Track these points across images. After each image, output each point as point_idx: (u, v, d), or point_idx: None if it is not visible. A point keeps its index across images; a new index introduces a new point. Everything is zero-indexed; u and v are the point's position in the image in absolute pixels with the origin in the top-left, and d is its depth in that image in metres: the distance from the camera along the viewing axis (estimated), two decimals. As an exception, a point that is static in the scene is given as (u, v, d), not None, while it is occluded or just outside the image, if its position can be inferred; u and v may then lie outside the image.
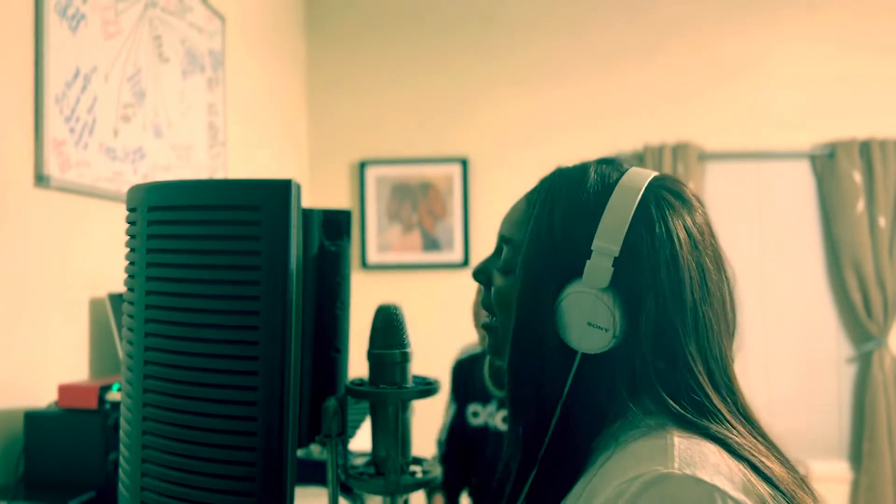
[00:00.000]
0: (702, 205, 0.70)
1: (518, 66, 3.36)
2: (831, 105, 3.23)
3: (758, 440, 0.63)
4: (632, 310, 0.64)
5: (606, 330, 0.63)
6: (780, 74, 3.26)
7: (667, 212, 0.66)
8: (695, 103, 3.29)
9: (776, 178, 3.28)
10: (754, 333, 3.21)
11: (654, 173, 0.69)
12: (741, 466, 0.58)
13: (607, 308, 0.63)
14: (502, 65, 3.37)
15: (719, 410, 0.63)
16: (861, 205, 3.13)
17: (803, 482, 0.62)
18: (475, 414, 1.80)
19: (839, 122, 3.21)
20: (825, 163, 3.21)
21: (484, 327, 0.78)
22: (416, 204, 3.35)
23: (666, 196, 0.67)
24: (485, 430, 1.78)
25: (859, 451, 3.15)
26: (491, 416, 1.77)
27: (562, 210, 0.68)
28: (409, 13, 3.42)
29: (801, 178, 3.27)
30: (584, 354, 0.65)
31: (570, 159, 0.77)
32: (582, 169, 0.70)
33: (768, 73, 3.26)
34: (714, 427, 0.61)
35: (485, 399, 1.80)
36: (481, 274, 0.78)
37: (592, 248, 0.64)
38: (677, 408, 0.62)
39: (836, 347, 3.24)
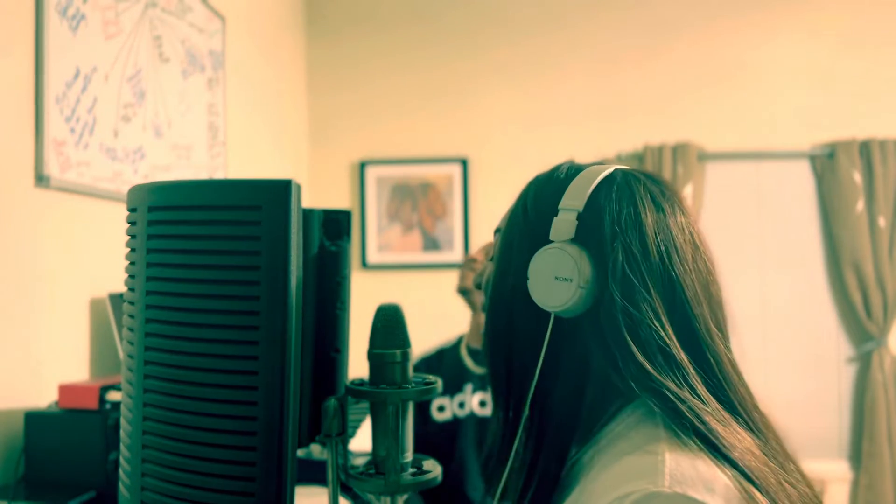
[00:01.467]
0: (673, 191, 0.71)
1: (518, 67, 3.36)
2: (831, 105, 3.23)
3: (721, 405, 0.62)
4: (599, 261, 0.64)
5: (571, 280, 0.63)
6: (780, 74, 3.26)
7: (633, 183, 0.68)
8: (695, 103, 3.29)
9: (776, 178, 3.28)
10: (754, 333, 3.21)
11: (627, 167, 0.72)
12: (730, 473, 0.56)
13: (570, 257, 0.64)
14: (502, 65, 3.37)
15: (685, 368, 0.62)
16: (861, 205, 3.13)
17: (773, 453, 0.61)
18: (441, 408, 1.79)
19: (839, 122, 3.21)
20: (825, 163, 3.21)
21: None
22: (416, 204, 3.35)
23: (635, 174, 0.70)
24: (455, 423, 1.77)
25: (859, 451, 3.15)
26: (461, 405, 1.76)
27: (534, 190, 0.72)
28: (410, 14, 3.42)
29: (801, 178, 3.27)
30: (557, 320, 0.65)
31: (582, 161, 0.78)
32: (559, 164, 0.74)
33: (768, 73, 3.26)
34: (677, 384, 0.60)
35: (453, 389, 1.78)
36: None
37: (559, 207, 0.67)
38: (644, 363, 0.61)
39: (836, 347, 3.24)
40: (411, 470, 0.77)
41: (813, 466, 3.12)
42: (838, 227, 3.16)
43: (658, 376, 0.61)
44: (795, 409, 3.19)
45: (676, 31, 3.31)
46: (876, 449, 3.08)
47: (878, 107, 3.21)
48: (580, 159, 0.78)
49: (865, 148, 3.15)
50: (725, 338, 0.68)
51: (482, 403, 1.77)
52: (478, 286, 0.80)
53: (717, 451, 0.57)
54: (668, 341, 0.62)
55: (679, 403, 0.59)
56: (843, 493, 3.14)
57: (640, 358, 0.61)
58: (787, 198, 3.28)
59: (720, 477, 0.55)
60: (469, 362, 1.80)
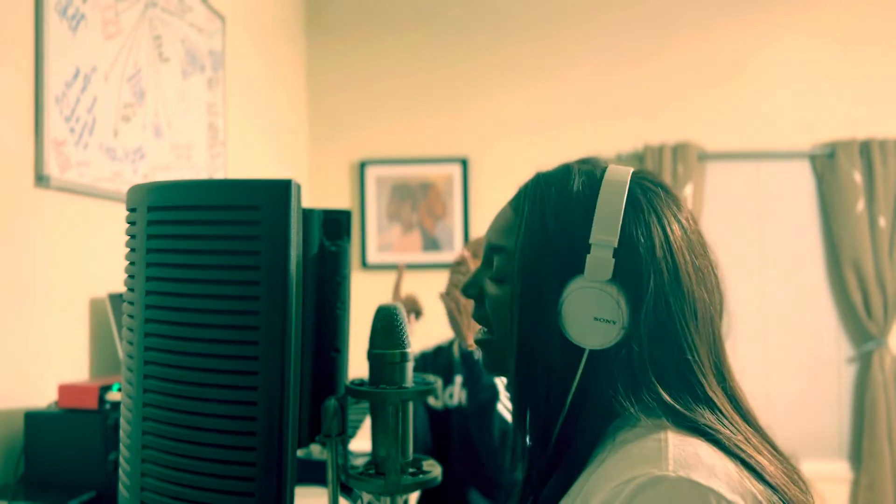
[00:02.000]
0: (679, 196, 0.72)
1: (518, 67, 3.36)
2: (831, 105, 3.23)
3: (748, 429, 0.63)
4: (633, 298, 0.64)
5: (614, 322, 0.63)
6: (781, 74, 3.26)
7: (655, 201, 0.68)
8: (695, 103, 3.29)
9: (776, 178, 3.28)
10: (754, 333, 3.21)
11: (633, 169, 0.71)
12: (735, 465, 0.57)
13: (613, 299, 0.63)
14: (503, 65, 3.37)
15: (711, 398, 0.63)
16: (861, 205, 3.13)
17: (794, 475, 0.62)
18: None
19: (839, 122, 3.21)
20: (825, 163, 3.21)
21: (478, 343, 0.77)
22: (416, 204, 3.35)
23: (651, 187, 0.69)
24: (445, 413, 1.77)
25: (859, 451, 3.15)
26: (451, 396, 1.76)
27: (553, 209, 0.68)
28: (410, 14, 3.42)
29: (801, 178, 3.27)
30: (587, 352, 0.65)
31: (570, 159, 0.77)
32: (565, 169, 0.71)
33: (768, 73, 3.26)
34: (706, 416, 0.61)
35: (445, 382, 1.79)
36: (472, 288, 0.77)
37: (591, 241, 0.65)
38: (669, 399, 0.62)
39: (836, 347, 3.24)
40: (411, 470, 0.77)
41: (813, 466, 3.12)
42: (838, 227, 3.16)
43: (690, 415, 0.62)
44: (796, 409, 3.19)
45: (676, 32, 3.31)
46: (876, 449, 3.07)
47: (878, 107, 3.21)
48: (587, 156, 0.77)
49: (865, 148, 3.15)
50: (724, 348, 0.69)
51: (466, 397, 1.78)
52: (468, 295, 0.78)
53: (753, 471, 0.58)
54: (697, 379, 0.64)
55: (716, 434, 0.60)
56: (843, 493, 3.14)
57: (669, 400, 0.62)
58: (787, 198, 3.28)
59: (723, 463, 0.57)
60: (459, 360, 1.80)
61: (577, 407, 0.66)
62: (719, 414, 0.62)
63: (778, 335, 3.24)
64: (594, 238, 0.65)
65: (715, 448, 0.59)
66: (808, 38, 3.25)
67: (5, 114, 1.43)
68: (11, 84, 1.45)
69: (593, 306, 0.64)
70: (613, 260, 0.64)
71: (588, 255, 0.64)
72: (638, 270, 0.64)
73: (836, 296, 3.24)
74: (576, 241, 0.66)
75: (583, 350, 0.65)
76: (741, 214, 3.29)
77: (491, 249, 0.75)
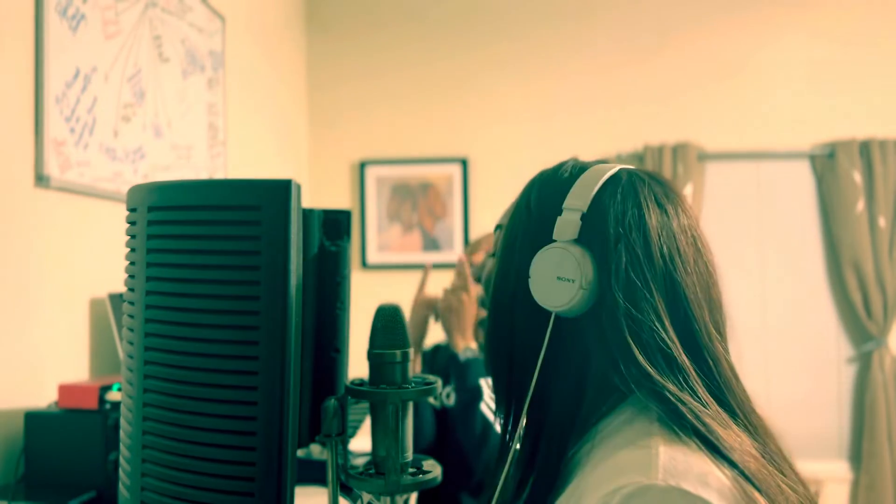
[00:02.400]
0: (677, 191, 0.71)
1: (519, 67, 3.36)
2: (831, 105, 3.23)
3: (722, 408, 0.62)
4: (602, 262, 0.64)
5: (573, 280, 0.63)
6: (780, 74, 3.26)
7: (637, 183, 0.68)
8: (695, 103, 3.29)
9: (776, 178, 3.28)
10: (754, 334, 3.21)
11: (631, 167, 0.72)
12: (711, 457, 0.56)
13: (573, 257, 0.64)
14: (503, 65, 3.37)
15: (686, 370, 0.62)
16: (861, 205, 3.13)
17: (771, 457, 0.61)
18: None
19: (839, 122, 3.21)
20: (825, 163, 3.21)
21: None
22: (416, 204, 3.35)
23: (639, 174, 0.70)
24: (443, 412, 1.79)
25: (859, 451, 3.15)
26: (448, 396, 1.76)
27: (538, 188, 0.72)
28: (410, 14, 3.42)
29: (801, 178, 3.28)
30: (558, 319, 0.65)
31: (585, 159, 0.78)
32: (563, 161, 0.74)
33: (768, 72, 3.26)
34: (678, 387, 0.60)
35: (444, 381, 1.80)
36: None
37: (563, 206, 0.67)
38: (642, 359, 0.61)
39: (836, 347, 3.24)
40: (411, 470, 0.77)
41: (813, 466, 3.12)
42: (838, 227, 3.16)
43: (659, 378, 0.61)
44: (796, 409, 3.19)
45: (676, 31, 3.31)
46: (876, 449, 3.07)
47: (878, 107, 3.21)
48: (581, 159, 0.78)
49: (865, 148, 3.15)
50: (724, 341, 0.68)
51: (448, 396, 1.78)
52: (477, 279, 0.82)
53: (717, 451, 0.57)
54: (669, 344, 0.62)
55: (680, 405, 0.59)
56: (843, 493, 3.14)
57: (642, 360, 0.61)
58: (787, 198, 3.28)
59: (714, 471, 0.55)
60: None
61: (549, 377, 0.66)
62: (693, 383, 0.61)
63: (778, 335, 3.24)
64: (566, 204, 0.67)
65: (702, 450, 0.57)
66: (808, 38, 3.25)
67: (5, 114, 1.43)
68: (11, 84, 1.45)
69: (556, 266, 0.64)
70: (581, 223, 0.65)
71: (558, 218, 0.66)
72: (605, 234, 0.65)
73: (836, 296, 3.24)
74: (551, 211, 0.68)
75: (550, 314, 0.65)
76: (741, 214, 3.29)
77: (495, 230, 0.79)
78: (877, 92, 3.21)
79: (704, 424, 0.58)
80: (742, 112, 3.27)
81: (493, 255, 0.77)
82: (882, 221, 3.11)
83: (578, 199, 0.66)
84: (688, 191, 3.19)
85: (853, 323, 3.21)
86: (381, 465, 0.76)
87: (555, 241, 0.66)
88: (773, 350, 3.23)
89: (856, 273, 3.14)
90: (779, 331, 3.25)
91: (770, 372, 3.21)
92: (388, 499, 0.76)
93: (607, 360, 0.63)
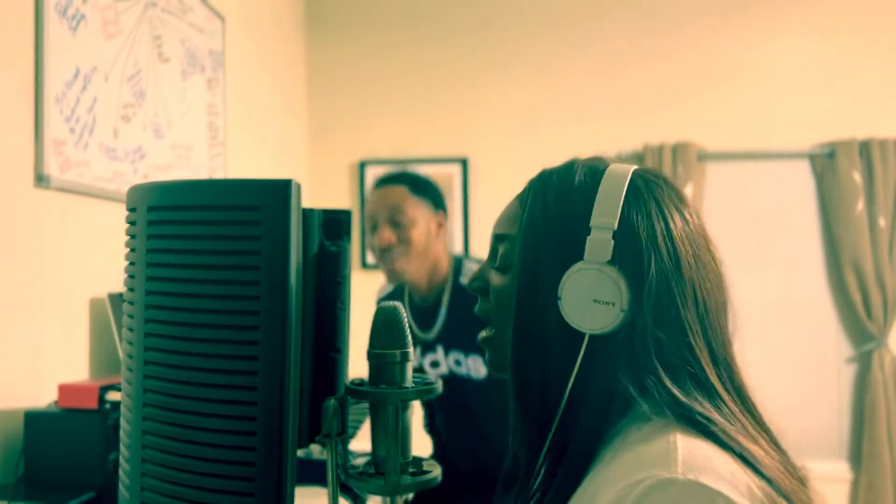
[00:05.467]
0: (683, 193, 0.72)
1: (518, 67, 3.36)
2: (831, 105, 3.23)
3: (746, 419, 0.63)
4: (634, 282, 0.64)
5: (613, 304, 0.63)
6: (780, 74, 3.26)
7: (656, 192, 0.68)
8: (695, 103, 3.29)
9: (776, 178, 3.28)
10: (754, 333, 3.21)
11: (636, 166, 0.71)
12: (734, 459, 0.57)
13: (612, 280, 0.63)
14: (502, 65, 3.37)
15: (711, 385, 0.63)
16: (861, 205, 3.13)
17: (791, 467, 0.62)
18: None
19: (839, 122, 3.21)
20: (825, 163, 3.21)
21: (481, 342, 0.78)
22: (416, 204, 3.35)
23: (653, 179, 0.69)
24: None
25: (859, 451, 3.15)
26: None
27: (555, 196, 0.69)
28: (410, 14, 3.42)
29: (801, 178, 3.27)
30: (589, 339, 0.64)
31: (583, 155, 0.78)
32: (569, 163, 0.72)
33: (768, 72, 3.26)
34: (704, 405, 0.61)
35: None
36: (477, 281, 0.78)
37: (591, 224, 0.65)
38: (668, 383, 0.61)
39: (836, 347, 3.24)
40: (411, 470, 0.77)
41: (813, 466, 3.12)
42: (838, 227, 3.16)
43: (687, 401, 0.61)
44: (795, 409, 3.19)
45: (677, 31, 3.31)
46: (876, 449, 3.07)
47: (877, 107, 3.21)
48: (594, 156, 0.77)
49: (865, 148, 3.15)
50: (731, 344, 0.69)
51: (434, 364, 1.75)
52: (473, 290, 0.79)
53: (749, 464, 0.58)
54: (699, 364, 0.63)
55: (710, 425, 0.60)
56: (843, 493, 3.14)
57: (669, 384, 0.62)
58: (787, 198, 3.28)
59: (732, 466, 0.56)
60: (415, 328, 1.78)
61: (578, 397, 0.66)
62: (719, 401, 0.62)
63: (778, 335, 3.24)
64: (594, 221, 0.65)
65: (712, 443, 0.58)
66: (808, 38, 3.25)
67: (5, 114, 1.43)
68: (11, 84, 1.45)
69: (592, 288, 0.63)
70: (613, 241, 0.64)
71: (588, 237, 0.65)
72: (638, 253, 0.64)
73: (836, 296, 3.24)
74: (576, 226, 0.66)
75: (583, 336, 0.64)
76: (741, 214, 3.29)
77: (496, 239, 0.75)
78: (877, 92, 3.21)
79: (736, 441, 0.59)
80: (742, 112, 3.27)
81: (499, 267, 0.74)
82: (882, 221, 3.11)
83: (606, 216, 0.65)
84: (688, 191, 3.19)
85: (853, 323, 3.21)
86: (381, 465, 0.76)
87: (584, 259, 0.65)
88: (773, 350, 3.23)
89: (856, 273, 3.14)
90: (779, 331, 3.25)
91: (770, 372, 3.21)
92: (388, 499, 0.76)
93: (635, 381, 0.63)
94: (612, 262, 0.64)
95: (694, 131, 3.27)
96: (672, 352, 0.63)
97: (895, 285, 3.11)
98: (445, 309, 1.72)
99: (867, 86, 3.21)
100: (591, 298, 0.63)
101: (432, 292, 1.74)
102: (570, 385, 0.65)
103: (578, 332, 0.64)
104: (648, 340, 0.63)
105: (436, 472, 0.77)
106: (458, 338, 1.70)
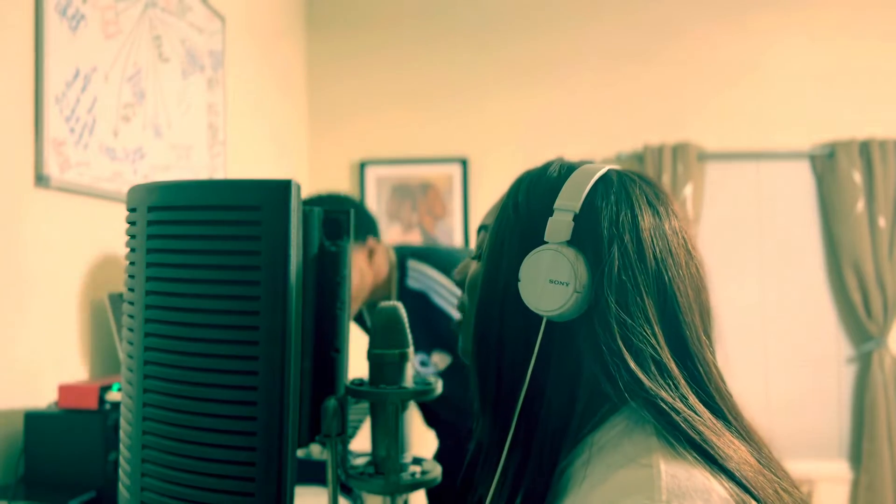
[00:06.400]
0: (666, 193, 0.70)
1: (518, 67, 3.36)
2: (831, 105, 3.23)
3: (712, 415, 0.61)
4: (594, 265, 0.63)
5: (567, 284, 0.61)
6: (780, 74, 3.26)
7: (628, 185, 0.67)
8: (695, 103, 3.29)
9: (776, 178, 3.28)
10: (754, 333, 3.21)
11: (617, 167, 0.71)
12: (711, 473, 0.56)
13: (567, 260, 0.62)
14: (502, 65, 3.37)
15: (677, 377, 0.61)
16: (861, 205, 3.13)
17: (761, 456, 0.61)
18: None
19: (839, 122, 3.21)
20: (825, 163, 3.21)
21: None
22: (416, 204, 3.35)
23: (629, 175, 0.69)
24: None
25: (859, 451, 3.15)
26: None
27: (526, 188, 0.69)
28: (410, 14, 3.42)
29: (801, 178, 3.28)
30: (549, 324, 0.63)
31: (570, 159, 0.77)
32: (549, 162, 0.72)
33: (768, 73, 3.26)
34: (671, 395, 0.59)
35: None
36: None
37: (554, 207, 0.65)
38: (633, 366, 0.60)
39: (836, 347, 3.24)
40: (411, 470, 0.77)
41: (813, 466, 3.12)
42: (838, 227, 3.16)
43: (651, 386, 0.60)
44: (796, 409, 3.19)
45: (677, 32, 3.31)
46: (876, 449, 3.07)
47: (877, 107, 3.21)
48: (578, 158, 0.77)
49: (865, 148, 3.15)
50: (712, 346, 0.66)
51: (423, 363, 1.75)
52: (457, 283, 0.79)
53: (713, 461, 0.57)
54: (660, 350, 0.61)
55: (673, 414, 0.58)
56: (843, 493, 3.14)
57: (634, 367, 0.60)
58: (787, 198, 3.28)
59: (716, 488, 0.55)
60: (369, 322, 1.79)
61: (541, 384, 0.64)
62: (684, 390, 0.60)
63: (778, 335, 3.24)
64: (557, 204, 0.65)
65: (703, 462, 0.56)
66: (809, 38, 3.25)
67: (5, 114, 1.43)
68: (11, 84, 1.45)
69: (549, 269, 0.62)
70: (573, 224, 0.63)
71: (549, 219, 0.64)
72: (599, 236, 0.63)
73: (836, 296, 3.24)
74: (541, 213, 0.66)
75: (541, 318, 0.63)
76: (741, 214, 3.29)
77: (478, 232, 0.76)
78: (877, 92, 3.21)
79: (699, 433, 0.58)
80: (742, 112, 3.27)
81: (477, 257, 0.75)
82: (882, 221, 3.11)
83: (570, 200, 0.64)
84: (688, 191, 3.19)
85: (853, 323, 3.21)
86: (381, 465, 0.76)
87: (546, 242, 0.64)
88: (772, 350, 3.23)
89: (856, 273, 3.14)
90: (778, 331, 3.24)
91: (770, 372, 3.21)
92: (388, 499, 0.76)
93: (599, 365, 0.62)
94: (570, 244, 0.63)
95: (694, 131, 3.27)
96: (637, 336, 0.61)
97: (895, 285, 3.11)
98: None
99: (867, 86, 3.21)
100: (547, 279, 0.62)
101: (380, 298, 1.74)
102: (529, 370, 0.63)
103: (537, 316, 0.63)
104: (612, 322, 0.61)
105: (436, 472, 0.77)
106: (414, 339, 1.69)
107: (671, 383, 0.61)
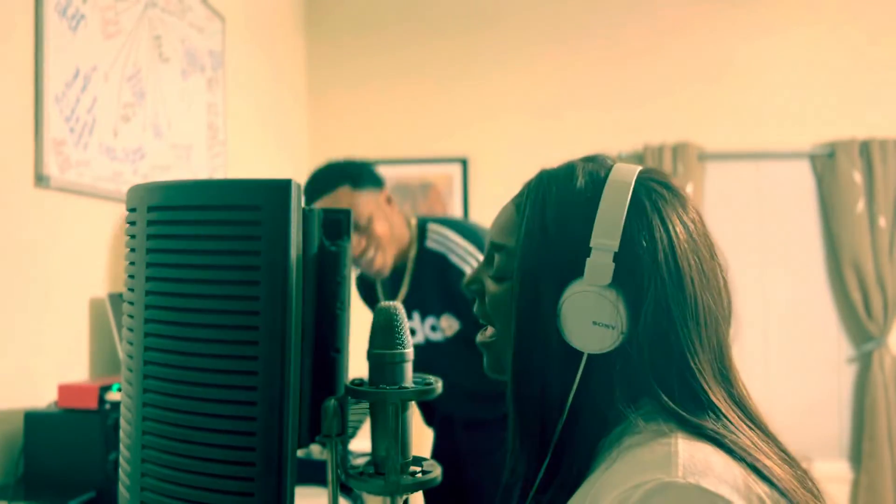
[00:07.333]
0: (687, 196, 0.70)
1: (518, 67, 3.36)
2: (831, 105, 3.23)
3: (754, 434, 0.62)
4: (633, 304, 0.63)
5: (612, 327, 0.62)
6: (781, 74, 3.26)
7: (660, 203, 0.66)
8: (695, 103, 3.29)
9: (776, 178, 3.28)
10: (754, 333, 3.21)
11: (640, 167, 0.69)
12: (744, 471, 0.57)
13: (612, 305, 0.62)
14: (502, 65, 3.37)
15: (715, 404, 0.62)
16: (861, 205, 3.13)
17: (805, 479, 0.61)
18: None
19: (839, 122, 3.21)
20: (825, 163, 3.21)
21: (480, 345, 0.77)
22: (416, 204, 3.35)
23: (656, 188, 0.67)
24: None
25: (859, 451, 3.15)
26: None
27: (554, 209, 0.67)
28: (410, 14, 3.42)
29: (801, 178, 3.28)
30: (588, 357, 0.64)
31: (572, 158, 0.77)
32: (569, 168, 0.70)
33: (768, 72, 3.26)
34: (710, 423, 0.60)
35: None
36: (474, 284, 0.77)
37: (591, 245, 0.64)
38: (672, 405, 0.61)
39: (836, 347, 3.24)
40: (411, 470, 0.77)
41: (813, 466, 3.12)
42: (838, 227, 3.16)
43: (691, 418, 0.61)
44: (796, 409, 3.19)
45: (676, 31, 3.31)
46: (876, 449, 3.08)
47: (878, 107, 3.21)
48: (596, 152, 0.76)
49: (865, 148, 3.15)
50: (730, 354, 0.68)
51: (434, 329, 1.74)
52: (470, 292, 0.78)
53: (761, 475, 0.58)
54: (700, 385, 0.62)
55: (721, 439, 0.60)
56: (844, 493, 3.14)
57: (670, 404, 0.62)
58: (787, 198, 3.28)
59: (732, 469, 0.56)
60: (382, 296, 1.77)
61: (575, 413, 0.65)
62: (725, 420, 0.61)
63: (778, 335, 3.24)
64: (594, 241, 0.63)
65: (722, 452, 0.58)
66: (809, 38, 3.25)
67: (5, 114, 1.43)
68: (11, 84, 1.45)
69: (592, 311, 0.63)
70: (613, 265, 0.63)
71: (588, 259, 0.63)
72: (639, 275, 0.63)
73: (836, 296, 3.24)
74: (576, 244, 0.65)
75: (581, 354, 0.64)
76: (741, 214, 3.29)
77: (493, 247, 0.74)
78: (877, 92, 3.21)
79: (751, 455, 0.59)
80: (742, 112, 3.27)
81: (495, 276, 0.73)
82: (882, 221, 3.11)
83: (607, 237, 0.63)
84: (688, 191, 3.19)
85: (853, 323, 3.21)
86: (381, 466, 0.76)
87: (583, 275, 0.64)
88: (773, 350, 3.23)
89: (856, 273, 3.14)
90: (779, 331, 3.25)
91: (770, 372, 3.21)
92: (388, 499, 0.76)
93: (632, 400, 0.63)
94: (612, 285, 0.63)
95: (694, 131, 3.27)
96: (671, 375, 0.62)
97: (895, 285, 3.11)
98: (410, 274, 1.70)
99: (867, 86, 3.21)
100: (590, 320, 0.63)
101: (398, 260, 1.72)
102: (569, 403, 0.65)
103: (577, 351, 0.64)
104: (646, 362, 0.62)
105: (436, 471, 0.77)
106: (427, 301, 1.68)
107: (712, 412, 0.62)
